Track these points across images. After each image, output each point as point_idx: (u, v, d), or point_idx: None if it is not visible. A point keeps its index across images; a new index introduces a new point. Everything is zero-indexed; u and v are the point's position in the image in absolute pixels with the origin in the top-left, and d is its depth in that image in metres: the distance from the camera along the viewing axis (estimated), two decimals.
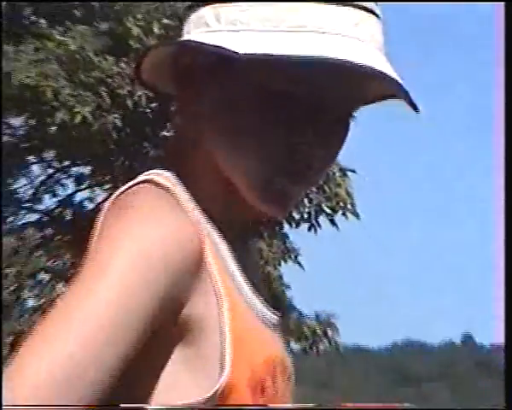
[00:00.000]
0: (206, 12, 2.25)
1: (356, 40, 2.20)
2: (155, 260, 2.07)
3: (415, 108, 2.18)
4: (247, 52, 2.10)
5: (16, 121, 13.17)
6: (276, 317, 2.31)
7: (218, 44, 2.14)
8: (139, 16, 12.73)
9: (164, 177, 2.19)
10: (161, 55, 2.25)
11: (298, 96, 2.20)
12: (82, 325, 1.94)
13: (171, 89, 2.36)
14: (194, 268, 2.12)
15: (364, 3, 2.28)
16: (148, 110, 12.71)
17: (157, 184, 2.13)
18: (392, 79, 2.16)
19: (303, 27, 2.16)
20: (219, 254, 2.24)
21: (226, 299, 2.17)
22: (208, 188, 2.27)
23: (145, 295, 2.04)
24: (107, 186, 13.62)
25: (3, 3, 13.35)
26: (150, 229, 2.14)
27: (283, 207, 2.29)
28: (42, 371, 1.85)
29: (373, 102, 2.42)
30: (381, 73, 2.13)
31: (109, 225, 2.07)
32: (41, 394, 1.85)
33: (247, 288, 2.29)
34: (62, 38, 12.13)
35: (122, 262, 2.04)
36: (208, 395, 2.06)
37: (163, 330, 2.08)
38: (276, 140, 2.23)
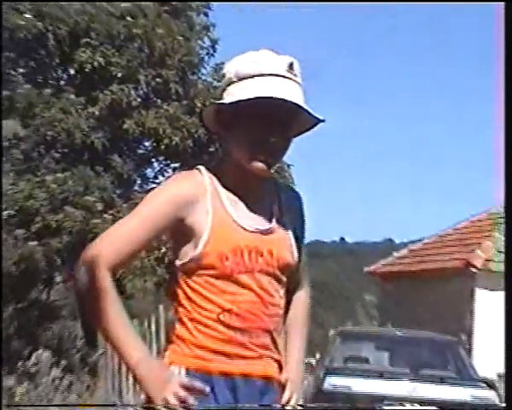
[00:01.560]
0: (225, 93, 2.44)
1: (285, 94, 2.34)
2: (170, 195, 2.38)
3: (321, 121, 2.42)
4: (230, 101, 2.37)
5: (147, 144, 13.26)
6: (259, 225, 2.44)
7: (221, 102, 2.41)
8: (200, 98, 12.53)
9: (199, 167, 2.46)
10: (210, 113, 2.47)
11: (263, 114, 2.35)
12: (134, 219, 2.36)
13: (215, 127, 2.48)
14: (193, 200, 2.37)
15: (295, 77, 2.41)
16: (204, 139, 12.62)
17: (192, 168, 2.46)
18: (308, 111, 2.37)
19: (257, 91, 2.33)
20: (217, 194, 2.41)
21: (212, 214, 2.37)
22: (231, 169, 2.44)
23: (162, 211, 2.35)
24: None
25: None
26: (173, 182, 2.49)
27: (263, 170, 2.40)
28: (116, 232, 2.36)
29: (300, 133, 2.50)
30: (300, 106, 2.35)
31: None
32: (114, 238, 2.33)
33: (233, 211, 2.40)
34: (167, 108, 12.37)
35: (155, 196, 2.40)
36: (193, 255, 2.37)
37: (175, 226, 2.38)
38: (256, 137, 2.37)
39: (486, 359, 13.74)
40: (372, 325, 18.68)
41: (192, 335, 2.39)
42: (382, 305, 20.07)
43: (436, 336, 10.73)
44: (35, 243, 11.53)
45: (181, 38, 12.60)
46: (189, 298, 2.40)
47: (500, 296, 16.62)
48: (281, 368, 2.50)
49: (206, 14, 13.48)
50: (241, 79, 2.39)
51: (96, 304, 2.28)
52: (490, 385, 9.00)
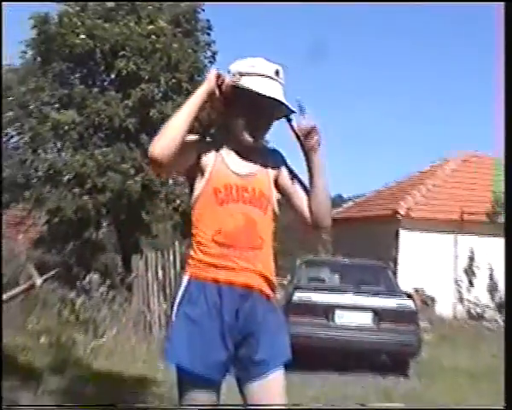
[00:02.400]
0: (242, 81, 2.33)
1: (269, 92, 2.29)
2: (197, 142, 2.35)
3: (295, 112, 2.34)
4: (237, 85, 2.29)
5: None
6: (246, 171, 2.39)
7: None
8: None
9: (214, 135, 2.46)
10: (218, 97, 2.34)
11: (253, 102, 2.29)
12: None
13: (222, 106, 2.39)
14: (205, 150, 2.36)
15: (280, 79, 2.34)
16: (207, 121, 12.63)
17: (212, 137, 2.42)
18: (287, 106, 2.33)
19: (250, 86, 2.28)
20: (221, 152, 2.38)
21: (213, 161, 2.34)
22: (232, 138, 2.39)
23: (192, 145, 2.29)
24: None
25: None
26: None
27: (252, 140, 2.36)
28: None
29: (279, 118, 2.42)
30: (281, 102, 2.32)
31: None
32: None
33: (229, 161, 2.37)
34: (180, 100, 11.11)
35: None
36: (198, 191, 2.34)
37: (195, 162, 2.34)
38: (247, 118, 2.33)
39: (406, 278, 13.95)
40: (328, 255, 18.78)
41: (195, 252, 2.36)
42: (335, 241, 20.16)
43: (372, 262, 10.84)
44: (87, 197, 11.44)
45: (190, 50, 12.41)
46: (195, 226, 2.37)
47: (416, 236, 16.85)
48: (268, 282, 2.37)
49: (208, 34, 13.26)
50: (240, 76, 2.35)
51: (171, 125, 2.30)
52: (409, 296, 9.12)
